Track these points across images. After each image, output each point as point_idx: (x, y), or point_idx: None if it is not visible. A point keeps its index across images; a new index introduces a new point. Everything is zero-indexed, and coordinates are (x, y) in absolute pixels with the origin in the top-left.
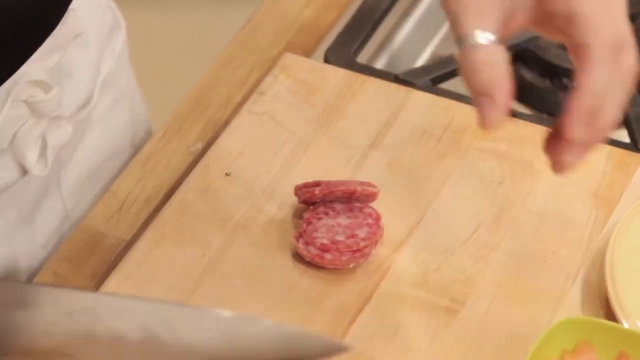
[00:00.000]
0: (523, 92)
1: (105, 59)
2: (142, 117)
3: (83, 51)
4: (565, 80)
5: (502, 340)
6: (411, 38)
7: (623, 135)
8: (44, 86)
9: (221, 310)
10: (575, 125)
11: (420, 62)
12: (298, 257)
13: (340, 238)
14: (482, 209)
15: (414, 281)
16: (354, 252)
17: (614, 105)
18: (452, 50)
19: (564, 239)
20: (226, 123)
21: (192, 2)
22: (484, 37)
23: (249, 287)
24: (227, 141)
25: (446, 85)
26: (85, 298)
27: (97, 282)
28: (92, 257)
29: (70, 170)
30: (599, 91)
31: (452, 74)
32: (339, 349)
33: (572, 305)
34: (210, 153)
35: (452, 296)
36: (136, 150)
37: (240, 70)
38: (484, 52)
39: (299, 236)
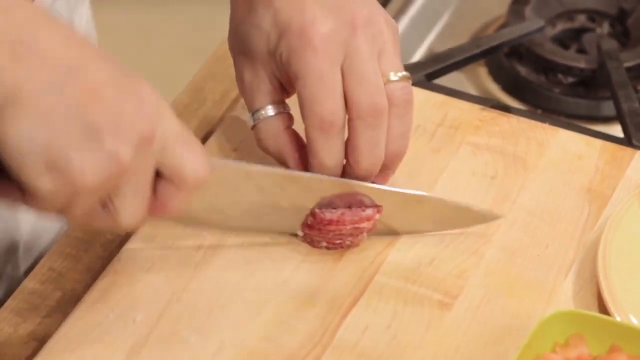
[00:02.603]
0: (517, 88)
1: (76, 18)
2: None
3: None
4: (560, 76)
5: (495, 333)
6: (406, 34)
7: (616, 130)
8: None
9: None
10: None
11: (415, 58)
12: (291, 250)
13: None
14: (476, 202)
15: (407, 275)
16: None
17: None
18: (448, 46)
19: (556, 233)
20: (221, 119)
21: None
22: (262, 113)
23: (243, 281)
24: (222, 137)
25: (441, 81)
26: None
27: (92, 277)
28: (88, 253)
29: None
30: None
31: (446, 70)
32: (493, 217)
33: (564, 298)
34: (206, 149)
35: (445, 290)
36: None
37: None
38: (267, 128)
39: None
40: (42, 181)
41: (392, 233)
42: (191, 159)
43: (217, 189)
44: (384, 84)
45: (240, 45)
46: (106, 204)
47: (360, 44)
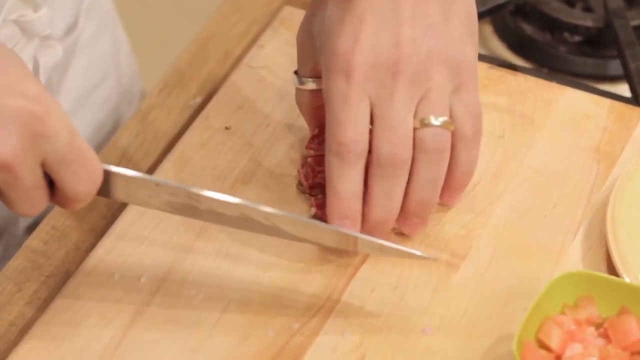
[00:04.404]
0: (523, 46)
1: None
2: (124, 45)
3: None
4: (565, 34)
5: (503, 295)
6: None
7: (623, 89)
8: (33, 5)
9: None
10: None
11: None
12: (299, 210)
13: None
14: (482, 162)
15: (414, 236)
16: None
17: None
18: None
19: (564, 193)
20: (225, 77)
21: None
22: (303, 81)
23: (250, 240)
24: (227, 95)
25: None
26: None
27: (95, 237)
28: (91, 212)
29: (62, 95)
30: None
31: None
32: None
33: (573, 259)
34: (210, 107)
35: (452, 250)
36: (120, 78)
37: (239, 23)
38: (304, 98)
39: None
40: None
41: None
42: (74, 180)
43: None
44: (420, 127)
45: (312, 9)
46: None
47: (396, 90)
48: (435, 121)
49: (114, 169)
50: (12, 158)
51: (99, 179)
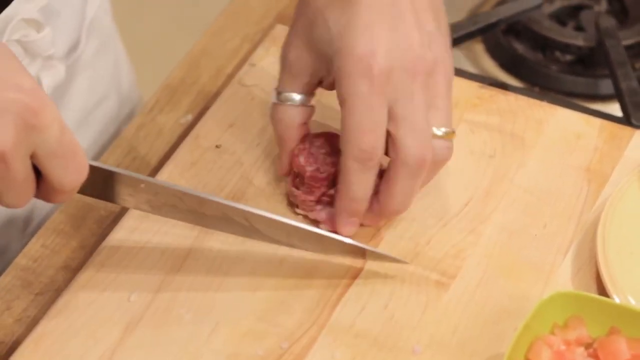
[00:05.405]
0: (515, 65)
1: (89, 4)
2: (125, 65)
3: None
4: (557, 54)
5: (493, 314)
6: None
7: (614, 109)
8: (36, 25)
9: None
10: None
11: None
12: None
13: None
14: (473, 182)
15: (404, 254)
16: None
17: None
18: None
19: (555, 213)
20: (216, 95)
21: None
22: (289, 97)
23: (239, 259)
24: (218, 113)
25: None
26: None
27: (85, 254)
28: (81, 229)
29: (63, 115)
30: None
31: None
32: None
33: (563, 279)
34: (201, 125)
35: (442, 270)
36: (121, 97)
37: (231, 41)
38: (282, 112)
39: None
40: None
41: None
42: (62, 172)
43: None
44: (433, 137)
45: (304, 23)
46: None
47: (415, 91)
48: (439, 131)
49: (96, 164)
50: (6, 149)
51: (85, 172)
